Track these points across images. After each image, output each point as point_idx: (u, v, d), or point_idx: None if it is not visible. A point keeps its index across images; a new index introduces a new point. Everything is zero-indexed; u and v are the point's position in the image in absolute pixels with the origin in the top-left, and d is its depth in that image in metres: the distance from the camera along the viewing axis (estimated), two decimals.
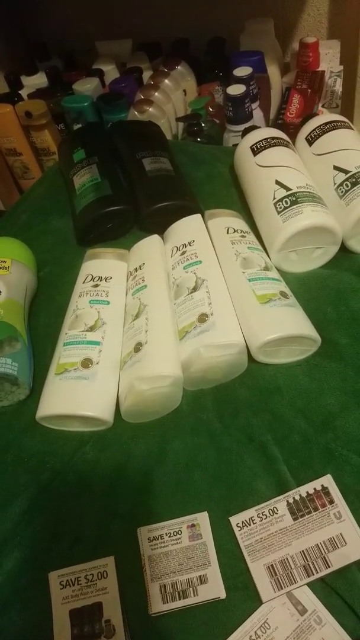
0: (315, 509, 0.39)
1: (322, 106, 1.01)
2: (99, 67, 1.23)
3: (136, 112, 0.99)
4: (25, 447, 0.49)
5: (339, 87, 1.02)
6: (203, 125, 0.97)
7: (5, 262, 0.58)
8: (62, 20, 1.38)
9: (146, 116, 0.98)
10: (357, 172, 0.55)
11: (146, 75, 1.17)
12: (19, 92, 1.24)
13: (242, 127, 0.89)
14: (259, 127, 0.69)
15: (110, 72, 1.23)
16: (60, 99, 1.11)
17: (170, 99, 1.05)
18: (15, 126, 1.14)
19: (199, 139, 0.96)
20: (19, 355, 0.52)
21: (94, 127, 0.89)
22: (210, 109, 1.03)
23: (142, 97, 1.02)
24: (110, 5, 1.31)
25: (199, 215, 0.61)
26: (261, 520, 0.39)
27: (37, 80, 1.27)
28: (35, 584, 0.40)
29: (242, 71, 0.93)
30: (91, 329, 0.52)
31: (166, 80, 1.07)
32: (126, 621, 0.38)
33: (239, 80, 0.92)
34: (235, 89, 0.89)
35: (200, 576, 0.39)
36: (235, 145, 0.69)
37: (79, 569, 0.40)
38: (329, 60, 1.10)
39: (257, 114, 0.97)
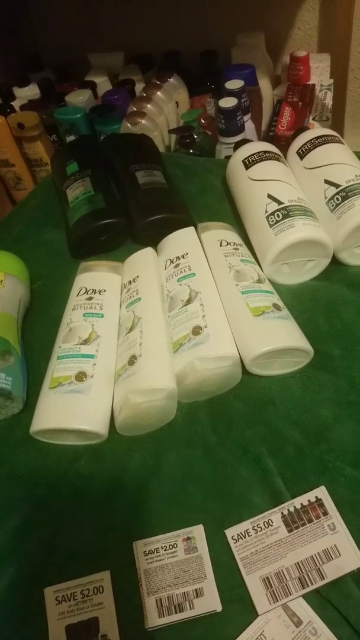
0: (310, 521, 0.39)
1: (313, 119, 1.02)
2: (92, 79, 1.24)
3: (129, 124, 0.99)
4: (20, 461, 0.48)
5: (329, 100, 1.03)
6: (195, 137, 0.98)
7: None
8: (55, 33, 1.39)
9: (139, 128, 0.99)
10: (348, 186, 0.56)
11: (139, 87, 1.18)
12: (11, 103, 1.25)
13: (234, 139, 0.90)
14: (251, 141, 0.70)
15: (103, 84, 1.24)
16: (52, 110, 1.12)
17: (162, 111, 1.06)
18: (8, 137, 1.15)
19: (191, 151, 0.96)
20: (13, 369, 0.52)
21: (86, 140, 0.89)
22: (203, 121, 1.04)
23: (135, 109, 1.03)
24: (103, 18, 1.32)
25: (192, 228, 0.62)
26: (256, 533, 0.40)
27: (29, 92, 1.27)
28: (31, 600, 0.40)
29: (234, 84, 0.94)
30: (85, 342, 0.52)
31: (158, 93, 1.07)
32: (123, 636, 0.38)
33: (231, 93, 0.93)
34: (227, 102, 0.90)
35: (196, 589, 0.39)
36: (228, 157, 0.70)
37: (74, 584, 0.40)
38: (320, 73, 1.11)
39: (249, 126, 0.98)
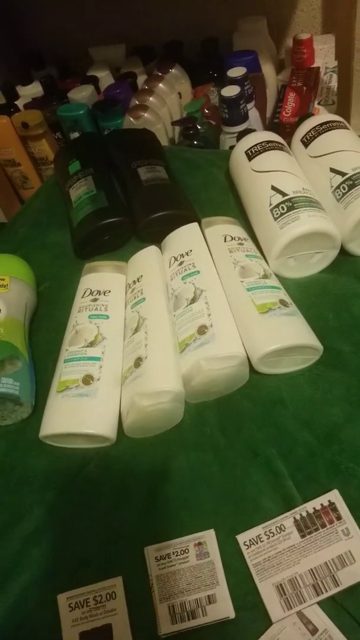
0: (323, 526, 0.38)
1: (319, 103, 1.00)
2: (94, 73, 1.23)
3: (131, 119, 0.98)
4: (30, 466, 0.48)
5: (334, 83, 1.01)
6: (199, 127, 0.96)
7: (3, 279, 0.58)
8: (55, 28, 1.37)
9: (141, 122, 0.97)
10: (354, 174, 0.54)
11: (140, 79, 1.17)
12: (15, 102, 1.24)
13: (238, 128, 0.89)
14: (254, 131, 0.68)
15: (105, 78, 1.23)
16: (56, 107, 1.11)
17: (165, 103, 1.04)
18: (13, 137, 1.15)
19: (195, 142, 0.95)
20: (21, 374, 0.52)
21: (88, 138, 0.89)
22: (206, 111, 1.02)
23: (137, 102, 1.02)
24: (102, 11, 1.30)
25: (196, 224, 0.60)
26: (268, 538, 0.39)
27: (32, 90, 1.27)
28: (44, 606, 0.40)
29: (236, 72, 0.92)
30: (91, 344, 0.51)
31: (160, 85, 1.06)
32: None
33: (233, 81, 0.91)
34: (230, 91, 0.88)
35: (208, 596, 0.38)
36: (232, 147, 0.68)
37: (87, 591, 0.40)
38: (324, 55, 1.08)
39: (253, 114, 0.96)
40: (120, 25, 1.31)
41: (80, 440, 0.48)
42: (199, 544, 0.40)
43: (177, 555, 0.40)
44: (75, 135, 1.09)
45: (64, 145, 1.16)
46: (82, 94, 1.13)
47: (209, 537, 0.41)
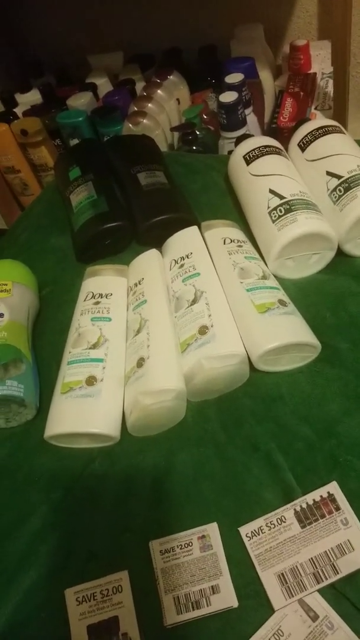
0: (323, 516, 0.40)
1: (315, 108, 1.02)
2: (92, 80, 1.24)
3: (130, 125, 1.00)
4: (36, 466, 0.49)
5: (331, 89, 1.02)
6: (198, 133, 0.98)
7: (6, 284, 0.59)
8: (53, 37, 1.39)
9: (140, 128, 0.99)
10: (350, 177, 0.56)
11: (139, 86, 1.19)
12: (14, 110, 1.26)
13: (236, 133, 0.90)
14: (252, 136, 0.69)
15: (103, 85, 1.24)
16: (54, 115, 1.13)
17: (164, 109, 1.06)
18: (12, 144, 1.16)
19: (194, 147, 0.97)
20: (25, 377, 0.53)
21: (88, 144, 0.90)
22: (205, 117, 1.04)
23: (136, 109, 1.03)
24: (100, 19, 1.32)
25: (195, 228, 0.62)
26: (270, 530, 0.40)
27: (31, 98, 1.28)
28: (52, 601, 0.41)
29: (234, 78, 0.94)
30: (94, 346, 0.52)
31: (159, 91, 1.08)
32: (142, 634, 0.38)
33: (231, 87, 0.93)
34: (228, 97, 0.90)
35: (212, 586, 0.39)
36: (230, 152, 0.70)
37: (94, 585, 0.41)
38: (320, 61, 1.10)
39: (251, 119, 0.98)
40: (118, 33, 1.33)
41: (85, 440, 0.49)
42: (203, 536, 0.42)
43: (181, 549, 0.41)
44: (75, 141, 1.11)
45: (63, 151, 1.17)
46: (80, 101, 1.15)
47: (212, 530, 0.42)
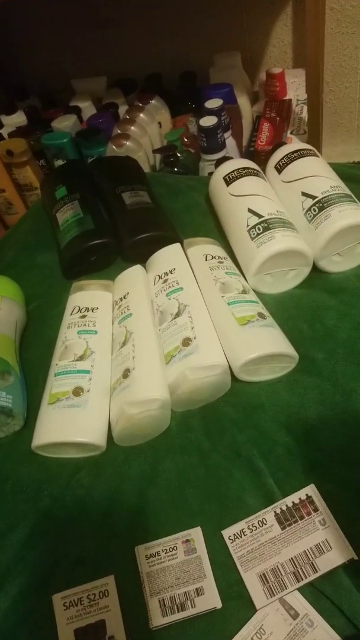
0: (302, 517, 0.41)
1: (291, 133, 1.06)
2: (76, 104, 1.28)
3: (114, 147, 1.03)
4: (23, 476, 0.50)
5: (305, 114, 1.07)
6: (179, 155, 1.01)
7: None
8: (38, 61, 1.43)
9: (124, 150, 1.02)
10: (324, 197, 0.59)
11: (122, 110, 1.22)
12: None
13: (216, 156, 0.94)
14: (231, 158, 0.73)
15: (87, 108, 1.28)
16: (39, 136, 1.15)
17: (146, 132, 1.09)
18: None
19: (175, 169, 1.00)
20: (13, 388, 0.54)
21: (74, 165, 0.92)
22: (186, 140, 1.08)
23: (119, 131, 1.07)
24: (85, 45, 1.36)
25: (178, 245, 0.64)
26: (251, 532, 0.42)
27: (16, 119, 1.31)
28: (40, 607, 0.42)
29: (213, 103, 0.98)
30: (80, 358, 0.54)
31: (141, 115, 1.11)
32: (129, 636, 0.39)
33: (211, 112, 0.96)
34: (207, 121, 0.93)
35: (196, 588, 0.41)
36: (211, 173, 0.73)
37: (81, 590, 0.42)
38: (295, 88, 1.15)
39: (230, 143, 1.02)
40: (102, 58, 1.37)
41: (72, 450, 0.50)
42: (187, 541, 0.43)
43: (166, 553, 0.43)
44: (60, 162, 1.14)
45: (50, 171, 1.20)
46: (65, 123, 1.18)
47: (196, 534, 0.43)
